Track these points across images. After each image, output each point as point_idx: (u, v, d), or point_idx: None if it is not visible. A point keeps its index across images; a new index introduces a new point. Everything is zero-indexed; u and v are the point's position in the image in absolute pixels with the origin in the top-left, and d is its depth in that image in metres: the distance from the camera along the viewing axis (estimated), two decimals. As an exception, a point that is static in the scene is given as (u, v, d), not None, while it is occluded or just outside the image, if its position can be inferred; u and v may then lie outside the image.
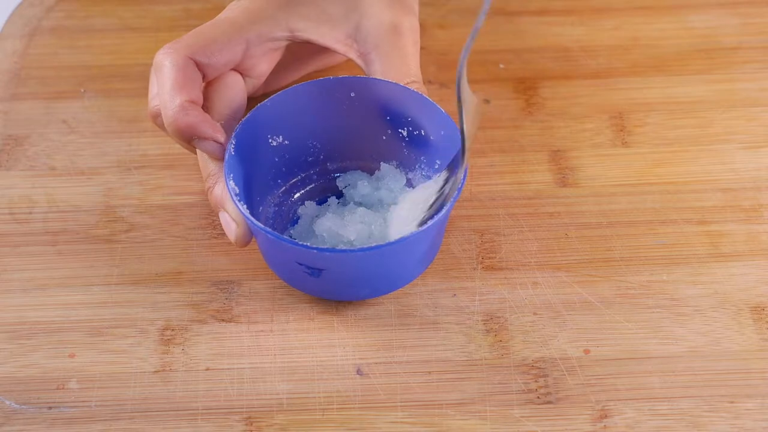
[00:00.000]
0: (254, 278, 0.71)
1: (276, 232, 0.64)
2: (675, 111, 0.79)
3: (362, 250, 0.63)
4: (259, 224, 0.64)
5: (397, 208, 0.69)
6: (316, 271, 0.65)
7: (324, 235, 0.68)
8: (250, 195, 0.69)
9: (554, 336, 0.68)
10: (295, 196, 0.74)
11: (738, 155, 0.76)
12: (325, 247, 0.68)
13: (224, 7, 0.73)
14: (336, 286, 0.67)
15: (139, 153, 0.78)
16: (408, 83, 0.70)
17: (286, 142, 0.72)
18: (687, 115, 0.79)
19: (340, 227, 0.68)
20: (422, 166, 0.71)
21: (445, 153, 0.69)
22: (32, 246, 0.73)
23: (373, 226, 0.68)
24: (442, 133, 0.69)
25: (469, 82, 0.81)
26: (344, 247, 0.67)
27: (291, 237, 0.70)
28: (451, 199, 0.65)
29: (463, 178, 0.66)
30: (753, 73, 0.82)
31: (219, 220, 0.69)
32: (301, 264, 0.65)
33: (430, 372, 0.66)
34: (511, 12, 0.87)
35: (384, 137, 0.73)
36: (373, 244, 0.67)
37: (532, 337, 0.68)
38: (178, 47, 0.69)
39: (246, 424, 0.64)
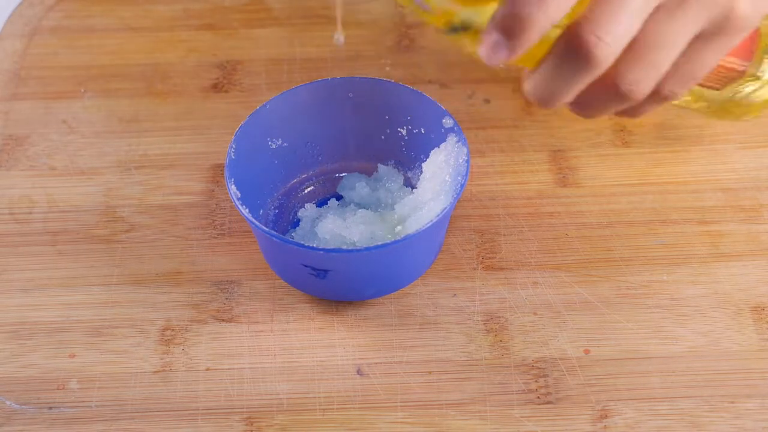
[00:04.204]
0: (254, 278, 0.71)
1: (281, 235, 0.64)
2: (675, 111, 0.79)
3: (368, 249, 0.63)
4: (264, 228, 0.64)
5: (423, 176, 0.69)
6: (321, 273, 0.65)
7: (327, 237, 0.68)
8: (251, 198, 0.69)
9: (554, 336, 0.68)
10: (295, 198, 0.74)
11: (738, 155, 0.76)
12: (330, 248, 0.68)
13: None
14: (341, 286, 0.67)
15: (139, 153, 0.78)
16: None
17: (285, 144, 0.72)
18: (687, 115, 0.79)
19: (343, 229, 0.68)
20: (421, 165, 0.71)
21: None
22: (32, 246, 0.73)
23: (374, 227, 0.69)
24: (442, 130, 0.69)
25: (470, 82, 0.82)
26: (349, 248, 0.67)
27: (293, 239, 0.70)
28: (454, 197, 0.65)
29: (465, 178, 0.66)
30: (753, 73, 0.82)
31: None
32: (306, 266, 0.65)
33: (430, 372, 0.66)
34: (511, 12, 0.87)
35: (383, 137, 0.73)
36: (379, 243, 0.67)
37: (532, 337, 0.68)
38: None
39: (246, 425, 0.64)
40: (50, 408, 0.66)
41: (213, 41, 0.85)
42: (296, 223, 0.72)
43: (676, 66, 0.61)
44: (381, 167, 0.73)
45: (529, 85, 0.63)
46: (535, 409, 0.65)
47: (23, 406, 0.66)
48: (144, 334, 0.68)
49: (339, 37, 0.64)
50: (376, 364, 0.67)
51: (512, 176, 0.76)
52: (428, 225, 0.64)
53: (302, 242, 0.67)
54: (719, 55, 0.63)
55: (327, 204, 0.72)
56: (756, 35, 0.67)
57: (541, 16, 0.57)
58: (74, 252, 0.73)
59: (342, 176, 0.74)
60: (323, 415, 0.65)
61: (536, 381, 0.66)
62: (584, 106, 0.64)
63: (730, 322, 0.68)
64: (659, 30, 0.60)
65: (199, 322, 0.69)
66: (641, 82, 0.61)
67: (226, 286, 0.71)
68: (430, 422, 0.64)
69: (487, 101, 0.80)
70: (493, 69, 0.83)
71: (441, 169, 0.68)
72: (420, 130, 0.71)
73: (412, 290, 0.70)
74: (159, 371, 0.67)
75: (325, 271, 0.65)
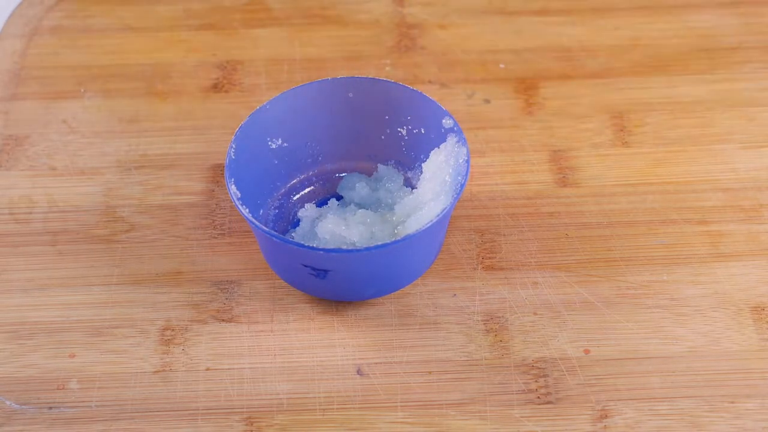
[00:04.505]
0: (254, 278, 0.71)
1: (281, 235, 0.64)
2: (675, 111, 0.79)
3: (368, 249, 0.63)
4: (264, 227, 0.64)
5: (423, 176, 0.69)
6: (321, 273, 0.65)
7: (326, 237, 0.68)
8: (251, 198, 0.69)
9: (554, 336, 0.68)
10: (295, 198, 0.74)
11: (738, 155, 0.76)
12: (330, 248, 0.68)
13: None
14: (341, 286, 0.67)
15: (139, 153, 0.78)
16: None
17: (285, 144, 0.72)
18: (687, 115, 0.79)
19: (343, 229, 0.68)
20: (421, 165, 0.71)
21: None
22: (32, 246, 0.73)
23: (374, 227, 0.69)
24: (442, 130, 0.69)
25: (470, 82, 0.82)
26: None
27: (293, 239, 0.70)
28: (455, 196, 0.65)
29: (465, 178, 0.66)
30: (753, 73, 0.82)
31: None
32: (306, 266, 0.65)
33: (430, 372, 0.66)
34: (511, 12, 0.87)
35: (383, 137, 0.73)
36: (379, 243, 0.67)
37: (532, 337, 0.68)
38: None
39: (246, 425, 0.65)
40: (50, 408, 0.66)
41: (213, 41, 0.85)
42: (296, 223, 0.72)
43: None
44: (381, 167, 0.73)
45: None
46: (535, 409, 0.65)
47: (23, 406, 0.66)
48: (144, 334, 0.68)
49: None
50: (376, 364, 0.67)
51: (512, 176, 0.76)
52: (428, 225, 0.64)
53: (302, 242, 0.67)
54: None
55: (327, 204, 0.72)
56: None
57: None
58: (74, 252, 0.73)
59: (342, 176, 0.74)
60: (323, 415, 0.65)
61: (536, 381, 0.66)
62: None
63: (730, 322, 0.68)
64: None
65: (199, 322, 0.69)
66: None
67: (226, 286, 0.71)
68: (430, 422, 0.64)
69: (487, 101, 0.80)
70: (493, 69, 0.83)
71: (441, 169, 0.68)
72: (420, 130, 0.71)
73: (412, 290, 0.70)
74: (159, 371, 0.67)
75: (325, 271, 0.65)
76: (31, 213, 0.75)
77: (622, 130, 0.78)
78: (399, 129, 0.72)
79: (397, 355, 0.67)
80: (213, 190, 0.76)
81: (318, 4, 0.88)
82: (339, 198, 0.73)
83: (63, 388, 0.66)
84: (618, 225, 0.73)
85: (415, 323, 0.68)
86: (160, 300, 0.70)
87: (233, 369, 0.67)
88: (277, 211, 0.73)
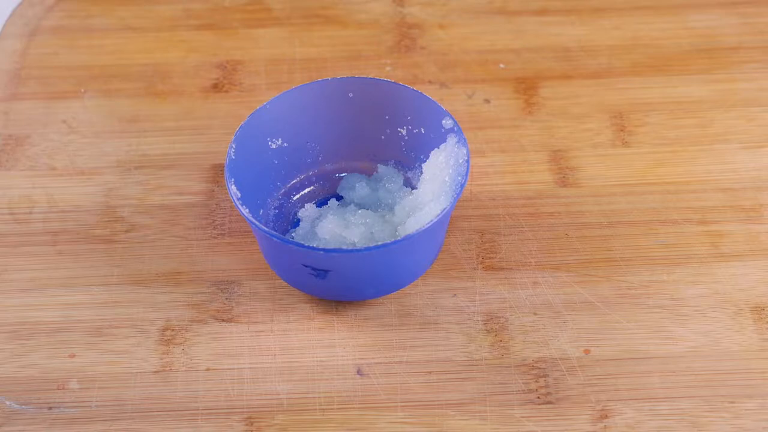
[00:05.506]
0: (254, 278, 0.71)
1: (281, 235, 0.64)
2: (675, 111, 0.79)
3: (368, 249, 0.63)
4: (264, 228, 0.64)
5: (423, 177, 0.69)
6: (322, 273, 0.66)
7: (327, 237, 0.68)
8: (251, 198, 0.69)
9: (554, 336, 0.68)
10: (295, 198, 0.74)
11: (738, 155, 0.76)
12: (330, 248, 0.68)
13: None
14: (341, 286, 0.67)
15: (139, 153, 0.78)
16: None
17: (285, 144, 0.72)
18: (687, 115, 0.79)
19: (343, 229, 0.68)
20: (421, 165, 0.71)
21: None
22: (32, 246, 0.73)
23: (374, 227, 0.69)
24: (442, 130, 0.69)
25: (470, 82, 0.82)
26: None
27: (293, 239, 0.70)
28: (455, 196, 0.65)
29: (465, 178, 0.66)
30: (753, 73, 0.82)
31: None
32: (306, 266, 0.65)
33: (430, 372, 0.66)
34: (511, 12, 0.87)
35: (383, 137, 0.73)
36: (379, 243, 0.67)
37: (532, 337, 0.68)
38: None
39: (246, 425, 0.65)
40: (50, 408, 0.66)
41: (213, 41, 0.85)
42: (296, 223, 0.72)
43: None
44: (381, 167, 0.73)
45: None
46: (535, 409, 0.65)
47: (23, 406, 0.66)
48: (144, 334, 0.68)
49: None
50: (376, 364, 0.67)
51: (512, 176, 0.76)
52: (428, 225, 0.64)
53: (302, 242, 0.67)
54: None
55: (327, 204, 0.72)
56: None
57: None
58: (74, 252, 0.73)
59: (342, 176, 0.74)
60: (323, 415, 0.65)
61: (536, 381, 0.66)
62: None
63: (730, 322, 0.68)
64: None
65: (199, 322, 0.69)
66: None
67: (226, 286, 0.71)
68: (430, 422, 0.64)
69: (487, 101, 0.80)
70: (493, 69, 0.83)
71: (441, 169, 0.68)
72: (420, 130, 0.71)
73: (412, 290, 0.70)
74: (159, 371, 0.67)
75: (325, 271, 0.66)
76: (31, 213, 0.75)
77: (622, 130, 0.78)
78: (399, 129, 0.72)
79: (397, 355, 0.67)
80: (213, 190, 0.76)
81: (318, 4, 0.88)
82: (339, 198, 0.73)
83: (63, 388, 0.66)
84: (618, 225, 0.73)
85: (415, 323, 0.68)
86: (160, 300, 0.70)
87: (233, 369, 0.67)
88: (277, 211, 0.73)
